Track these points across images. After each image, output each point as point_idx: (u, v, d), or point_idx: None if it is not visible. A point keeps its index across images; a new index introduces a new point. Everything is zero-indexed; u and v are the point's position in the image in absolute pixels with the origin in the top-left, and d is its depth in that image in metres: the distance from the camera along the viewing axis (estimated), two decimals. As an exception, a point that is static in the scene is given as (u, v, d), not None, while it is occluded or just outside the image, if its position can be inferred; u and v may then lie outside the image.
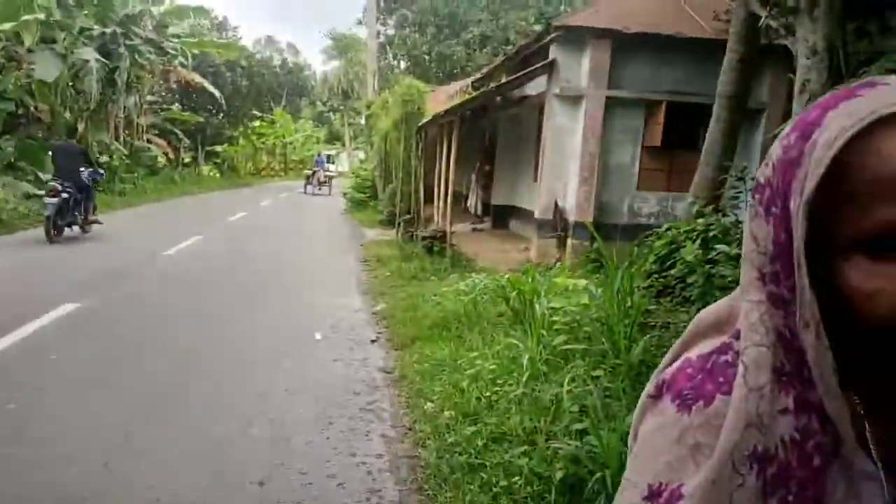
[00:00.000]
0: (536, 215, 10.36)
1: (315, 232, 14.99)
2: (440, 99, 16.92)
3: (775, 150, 0.58)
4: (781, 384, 0.58)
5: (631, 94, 9.58)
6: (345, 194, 22.17)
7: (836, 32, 3.13)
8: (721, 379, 0.61)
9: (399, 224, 13.52)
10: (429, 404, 4.30)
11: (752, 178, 4.04)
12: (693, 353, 0.66)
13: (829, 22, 3.03)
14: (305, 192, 27.63)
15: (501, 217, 14.44)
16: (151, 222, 14.68)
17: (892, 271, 0.52)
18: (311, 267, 10.13)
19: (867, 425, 0.59)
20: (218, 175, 32.75)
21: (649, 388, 0.66)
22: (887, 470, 0.58)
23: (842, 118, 0.53)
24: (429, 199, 13.16)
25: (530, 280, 5.96)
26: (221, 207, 18.68)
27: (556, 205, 10.12)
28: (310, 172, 29.54)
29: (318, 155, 33.85)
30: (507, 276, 6.59)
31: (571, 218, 9.69)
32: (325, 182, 28.58)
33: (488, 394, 4.19)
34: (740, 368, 0.59)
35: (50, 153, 12.86)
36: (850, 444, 0.57)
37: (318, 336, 6.15)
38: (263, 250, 11.34)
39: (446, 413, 4.08)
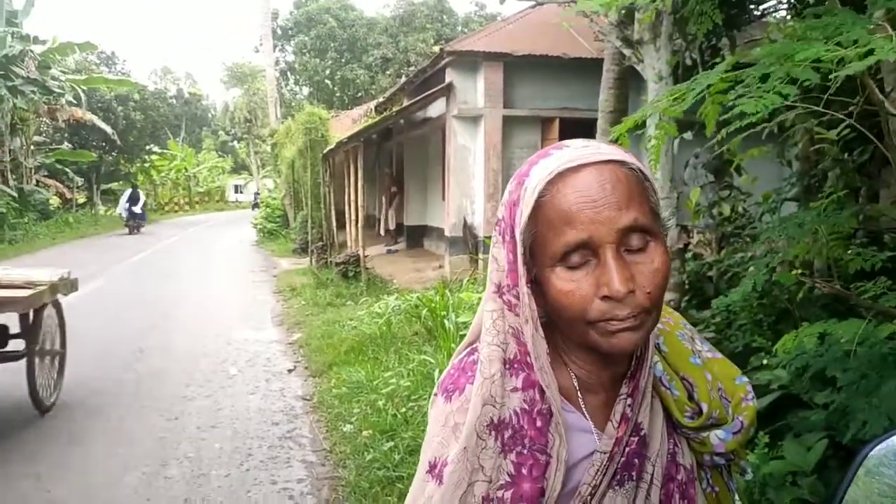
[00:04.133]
0: (447, 233, 10.64)
1: (225, 265, 14.65)
2: (345, 124, 17.03)
3: (505, 195, 0.81)
4: (512, 370, 0.79)
5: (526, 112, 10.07)
6: (255, 225, 21.72)
7: (676, 58, 3.57)
8: (470, 373, 0.82)
9: (312, 252, 13.47)
10: (347, 426, 4.40)
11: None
12: (457, 359, 0.88)
13: (669, 51, 3.46)
14: None
15: (415, 237, 14.67)
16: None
17: (578, 276, 0.74)
18: (223, 302, 9.95)
19: (580, 394, 0.82)
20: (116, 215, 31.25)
21: (435, 389, 0.88)
22: (599, 427, 0.81)
23: (540, 171, 0.77)
24: (341, 224, 13.20)
25: (440, 298, 6.18)
26: (121, 249, 17.91)
27: (465, 222, 10.45)
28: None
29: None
30: (418, 295, 6.79)
31: (480, 234, 10.03)
32: None
33: (404, 410, 4.35)
34: (478, 363, 0.80)
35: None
36: (558, 406, 0.79)
37: (233, 371, 6.11)
38: (171, 289, 11.02)
39: (364, 433, 4.20)
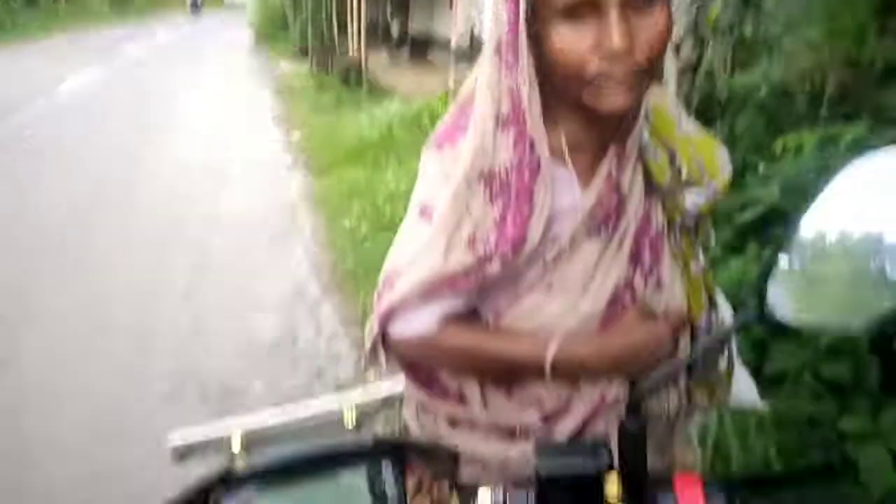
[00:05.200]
0: (453, 44, 10.17)
1: (224, 64, 14.17)
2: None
3: None
4: (504, 127, 0.81)
5: None
6: (252, 25, 20.62)
7: None
8: (463, 127, 0.85)
9: (312, 57, 12.97)
10: (347, 222, 4.54)
11: None
12: (449, 117, 0.91)
13: None
14: None
15: (419, 46, 14.01)
16: (40, 59, 13.40)
17: (580, 33, 0.74)
18: (223, 102, 9.76)
19: (567, 152, 0.85)
20: (106, 8, 29.42)
21: (427, 142, 0.92)
22: (584, 183, 0.86)
23: None
24: (343, 29, 12.55)
25: (443, 106, 6.06)
26: (115, 41, 17.17)
27: (472, 33, 9.95)
28: None
29: None
30: (422, 103, 6.66)
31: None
32: None
33: (403, 211, 4.45)
34: (472, 118, 0.83)
35: None
36: (546, 160, 0.82)
37: (235, 170, 6.16)
38: (168, 86, 10.74)
39: (363, 228, 4.35)
